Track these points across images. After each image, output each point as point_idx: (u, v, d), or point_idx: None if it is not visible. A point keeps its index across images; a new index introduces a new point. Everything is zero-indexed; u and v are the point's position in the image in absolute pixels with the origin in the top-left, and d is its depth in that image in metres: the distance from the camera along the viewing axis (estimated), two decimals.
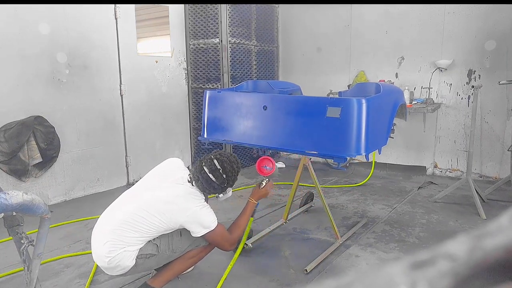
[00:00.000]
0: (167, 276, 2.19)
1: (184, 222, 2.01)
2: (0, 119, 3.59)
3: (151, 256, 2.07)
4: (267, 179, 2.43)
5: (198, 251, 2.22)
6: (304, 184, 4.56)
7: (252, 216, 2.47)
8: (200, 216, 2.03)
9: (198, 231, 2.04)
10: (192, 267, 2.54)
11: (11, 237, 1.72)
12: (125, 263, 2.01)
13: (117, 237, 2.00)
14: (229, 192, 2.29)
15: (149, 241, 2.07)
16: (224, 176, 2.10)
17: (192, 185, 2.12)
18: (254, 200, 2.35)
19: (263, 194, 2.39)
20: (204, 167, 2.10)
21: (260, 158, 2.30)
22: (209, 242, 2.15)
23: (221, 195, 2.26)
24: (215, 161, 2.11)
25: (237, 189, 4.56)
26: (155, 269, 2.32)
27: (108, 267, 2.05)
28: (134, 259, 2.02)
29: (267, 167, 2.27)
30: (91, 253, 2.91)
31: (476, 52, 4.55)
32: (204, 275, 2.59)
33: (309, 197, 3.86)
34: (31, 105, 3.79)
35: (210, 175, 2.08)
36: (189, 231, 2.09)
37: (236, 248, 2.66)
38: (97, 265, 2.70)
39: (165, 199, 2.04)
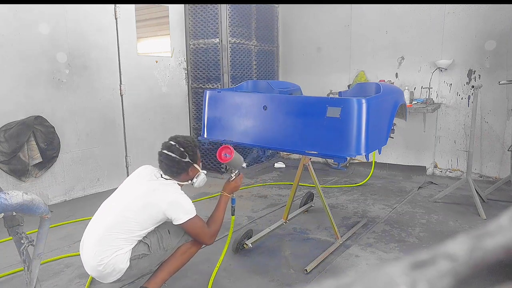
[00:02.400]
0: (162, 276, 2.20)
1: (166, 209, 2.05)
2: (0, 119, 3.59)
3: (144, 256, 2.10)
4: (236, 172, 2.43)
5: (187, 247, 2.25)
6: (304, 184, 4.56)
7: (233, 215, 2.51)
8: (180, 202, 2.09)
9: (180, 218, 2.07)
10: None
11: (11, 237, 1.72)
12: (119, 267, 2.04)
13: (106, 244, 2.02)
14: (201, 175, 2.29)
15: (139, 241, 2.10)
16: (182, 148, 2.16)
17: (166, 178, 2.19)
18: (226, 193, 2.36)
19: (234, 187, 2.38)
20: (162, 150, 2.18)
21: (221, 147, 2.32)
22: (189, 233, 2.17)
23: (194, 180, 2.27)
24: (170, 141, 2.21)
25: None
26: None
27: (103, 275, 2.06)
28: (128, 261, 2.05)
29: (227, 155, 2.28)
30: None
31: (476, 52, 4.55)
32: (204, 275, 2.59)
33: (309, 197, 3.86)
34: (31, 105, 3.79)
35: (169, 153, 2.15)
36: (176, 227, 2.15)
37: (228, 244, 2.66)
38: None
39: (144, 195, 2.09)
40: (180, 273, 2.60)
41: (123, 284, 2.49)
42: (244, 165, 2.41)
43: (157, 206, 2.05)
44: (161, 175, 2.20)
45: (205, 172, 2.35)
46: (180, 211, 2.07)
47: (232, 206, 2.50)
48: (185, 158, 2.16)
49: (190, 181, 2.28)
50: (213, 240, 2.23)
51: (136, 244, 2.09)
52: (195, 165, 2.22)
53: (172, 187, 2.16)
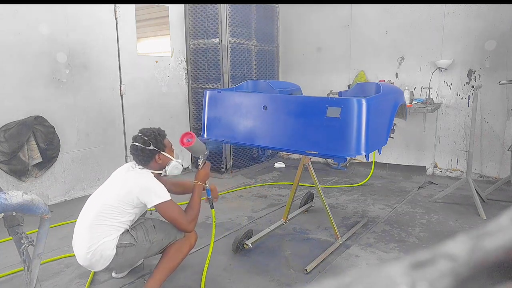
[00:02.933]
0: (159, 276, 2.28)
1: (139, 193, 2.19)
2: (0, 119, 3.59)
3: (130, 245, 2.21)
4: (202, 160, 2.49)
5: (180, 246, 2.35)
6: (304, 184, 4.56)
7: (212, 208, 2.57)
8: (151, 186, 2.21)
9: (152, 200, 2.18)
10: (141, 261, 2.65)
11: (11, 237, 1.73)
12: (106, 253, 2.15)
13: (93, 232, 2.16)
14: (172, 163, 2.38)
15: (127, 230, 2.23)
16: (145, 137, 2.32)
17: (140, 168, 2.35)
18: (198, 182, 2.43)
19: (203, 174, 2.45)
20: (132, 143, 2.37)
21: (184, 133, 2.44)
22: (166, 218, 2.26)
23: (166, 168, 2.37)
24: (137, 133, 2.41)
25: (237, 189, 4.57)
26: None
27: (92, 263, 2.18)
28: (114, 248, 2.16)
29: (189, 140, 2.38)
30: None
31: (476, 52, 4.55)
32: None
33: (309, 197, 3.86)
34: (31, 105, 3.79)
35: (134, 143, 2.34)
36: (161, 222, 2.33)
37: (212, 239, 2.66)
38: None
39: (121, 184, 2.27)
40: (180, 273, 2.61)
41: (123, 284, 2.50)
42: (206, 152, 2.51)
43: (130, 192, 2.20)
44: (136, 166, 2.37)
45: (180, 160, 2.45)
46: (151, 195, 2.19)
47: (208, 198, 2.55)
48: (148, 146, 2.30)
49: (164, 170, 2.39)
50: (192, 226, 2.29)
51: (123, 233, 2.21)
52: (162, 153, 2.34)
53: (144, 175, 2.29)
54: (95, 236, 2.15)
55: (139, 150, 2.31)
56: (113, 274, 2.61)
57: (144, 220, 2.35)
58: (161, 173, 2.40)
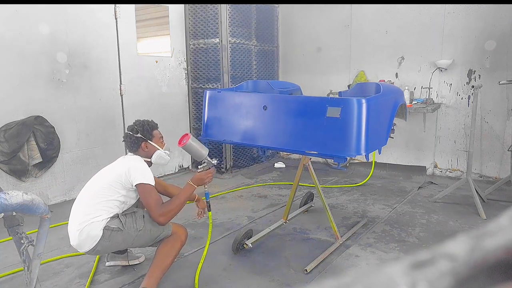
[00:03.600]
0: (155, 274, 2.32)
1: (127, 171, 2.32)
2: (0, 119, 3.59)
3: (118, 230, 2.28)
4: (204, 165, 2.52)
5: (172, 243, 2.40)
6: (304, 184, 4.56)
7: (209, 210, 2.62)
8: (139, 167, 2.35)
9: (137, 178, 2.30)
10: (143, 258, 2.79)
11: (11, 237, 1.72)
12: (93, 233, 2.23)
13: (85, 211, 2.27)
14: (157, 152, 2.50)
15: (116, 215, 2.31)
16: (135, 126, 2.50)
17: (131, 155, 2.52)
18: (190, 182, 2.45)
19: (198, 178, 2.46)
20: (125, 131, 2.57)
21: (184, 134, 2.55)
22: (142, 199, 2.33)
23: (153, 157, 2.51)
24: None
25: (237, 189, 4.57)
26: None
27: (80, 241, 2.26)
28: (102, 229, 2.24)
29: (184, 140, 2.48)
30: None
31: (476, 52, 4.55)
32: (203, 275, 2.60)
33: (309, 197, 3.86)
34: (31, 105, 3.79)
35: (126, 130, 2.54)
36: None
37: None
38: (96, 265, 2.71)
39: (115, 167, 2.43)
40: (179, 272, 2.61)
41: (123, 284, 2.50)
42: (214, 161, 2.55)
43: (121, 171, 2.34)
44: (129, 154, 2.56)
45: (167, 152, 2.56)
46: (138, 173, 2.32)
47: (206, 201, 2.59)
48: (136, 134, 2.48)
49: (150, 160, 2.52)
50: (162, 219, 2.28)
51: (113, 218, 2.30)
52: (149, 141, 2.49)
53: (135, 159, 2.45)
54: (86, 215, 2.26)
55: (128, 136, 2.50)
56: (107, 263, 2.68)
57: (136, 210, 2.42)
58: (149, 162, 2.52)
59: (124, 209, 2.39)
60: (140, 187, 2.30)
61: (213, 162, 2.53)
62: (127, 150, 2.57)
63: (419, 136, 5.05)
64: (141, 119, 2.58)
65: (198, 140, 2.59)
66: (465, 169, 4.15)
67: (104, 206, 2.29)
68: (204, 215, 2.78)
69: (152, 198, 2.28)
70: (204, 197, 2.62)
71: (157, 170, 4.87)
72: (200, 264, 2.68)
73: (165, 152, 2.54)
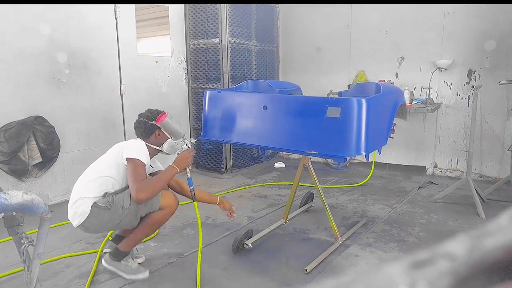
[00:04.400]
0: (132, 240, 2.50)
1: (124, 147, 2.45)
2: (0, 119, 3.59)
3: (105, 208, 2.35)
4: (184, 145, 2.56)
5: (156, 217, 2.46)
6: (304, 184, 4.56)
7: (194, 200, 2.63)
8: (136, 146, 2.45)
9: (129, 153, 2.39)
10: (143, 259, 2.81)
11: (11, 237, 1.72)
12: (81, 209, 2.34)
13: (80, 187, 2.41)
14: (168, 140, 2.57)
15: (105, 194, 2.38)
16: (149, 114, 2.62)
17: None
18: (173, 165, 2.47)
19: (179, 159, 2.50)
20: (137, 119, 2.67)
21: (160, 113, 2.65)
22: (128, 173, 2.36)
23: (164, 145, 2.59)
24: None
25: (237, 189, 4.57)
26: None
27: (71, 216, 2.39)
28: (90, 206, 2.34)
29: (162, 118, 2.59)
30: (91, 253, 2.93)
31: (476, 52, 4.55)
32: (203, 274, 2.60)
33: (309, 197, 3.86)
34: (31, 105, 3.79)
35: (140, 118, 2.64)
36: None
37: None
38: (97, 265, 2.71)
39: (114, 148, 2.55)
40: (179, 272, 2.61)
41: (123, 284, 2.50)
42: (193, 140, 2.63)
43: (117, 149, 2.48)
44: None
45: (175, 141, 2.62)
46: (131, 149, 2.41)
47: (190, 189, 2.57)
48: (151, 121, 2.58)
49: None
50: (140, 195, 2.26)
51: (102, 196, 2.38)
52: (162, 130, 2.58)
53: (136, 140, 2.57)
54: (79, 190, 2.39)
55: (142, 123, 2.57)
56: (103, 262, 2.63)
57: (126, 191, 2.41)
58: (158, 149, 2.59)
59: (116, 188, 2.44)
60: (129, 161, 2.36)
61: (191, 141, 2.60)
62: (137, 136, 2.63)
63: (419, 136, 5.05)
64: (154, 109, 2.69)
65: (177, 120, 2.68)
66: (465, 169, 4.15)
67: (95, 184, 2.38)
68: (234, 214, 2.92)
69: (134, 173, 2.30)
70: (203, 188, 2.69)
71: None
72: (199, 265, 2.68)
73: (175, 142, 2.62)
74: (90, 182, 2.39)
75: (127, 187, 2.43)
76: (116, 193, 2.40)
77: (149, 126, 2.57)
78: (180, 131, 2.60)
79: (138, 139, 2.59)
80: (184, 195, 2.77)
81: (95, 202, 2.35)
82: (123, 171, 2.43)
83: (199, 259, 2.73)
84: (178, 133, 2.60)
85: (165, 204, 2.47)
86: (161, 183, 2.39)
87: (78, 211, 2.34)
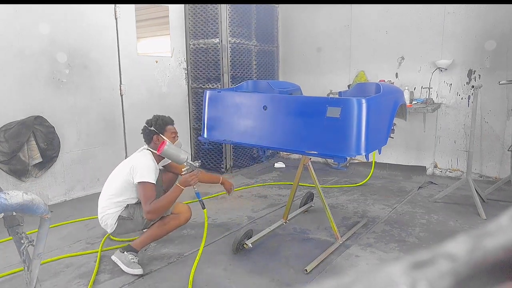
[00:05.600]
0: (144, 240, 2.71)
1: (128, 172, 2.65)
2: (0, 119, 3.59)
3: (128, 219, 2.70)
4: (188, 167, 2.62)
5: (168, 220, 2.71)
6: (304, 184, 4.56)
7: (203, 208, 2.70)
8: (138, 167, 2.63)
9: (136, 177, 2.61)
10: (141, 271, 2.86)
11: (11, 237, 1.72)
12: (109, 222, 2.70)
13: (103, 203, 2.72)
14: (166, 143, 2.62)
15: (127, 206, 2.70)
16: (150, 120, 2.80)
17: (146, 148, 2.81)
18: (178, 184, 2.64)
19: (183, 180, 2.61)
20: None
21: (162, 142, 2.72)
22: (138, 195, 2.65)
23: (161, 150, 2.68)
24: None
25: (237, 189, 4.57)
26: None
27: (103, 227, 2.77)
28: (116, 219, 2.69)
29: (161, 147, 2.64)
30: (91, 253, 2.94)
31: (476, 52, 4.55)
32: (203, 275, 2.60)
33: (309, 197, 3.86)
34: (31, 105, 3.79)
35: (145, 124, 2.83)
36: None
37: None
38: (98, 265, 2.72)
39: (126, 164, 2.75)
40: (180, 273, 2.61)
41: (123, 284, 2.50)
42: (196, 164, 2.67)
43: (127, 171, 2.67)
44: (144, 147, 2.85)
45: (173, 144, 2.73)
46: (137, 173, 2.61)
47: (199, 201, 2.68)
48: (150, 127, 2.77)
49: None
50: (150, 215, 2.57)
51: (125, 208, 2.70)
52: (160, 135, 2.75)
53: (141, 155, 2.74)
54: (103, 207, 2.71)
55: (143, 130, 2.82)
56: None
57: None
58: (160, 156, 2.73)
59: (136, 200, 2.73)
60: (139, 185, 2.60)
61: (195, 164, 2.64)
62: (146, 147, 2.84)
63: (419, 136, 5.05)
64: (159, 114, 2.85)
65: (179, 147, 2.75)
66: (465, 169, 4.15)
67: (117, 202, 2.69)
68: (231, 191, 3.25)
69: (143, 195, 2.57)
70: (229, 192, 3.23)
71: None
72: (196, 262, 2.68)
73: (170, 144, 2.69)
74: (112, 200, 2.69)
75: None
76: (135, 204, 2.73)
77: (148, 132, 2.79)
78: (182, 157, 2.61)
79: (143, 150, 2.80)
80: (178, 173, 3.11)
81: (120, 215, 2.69)
82: (135, 190, 2.70)
83: (196, 261, 2.73)
84: (180, 160, 2.62)
85: (179, 211, 2.76)
86: (168, 202, 2.61)
87: (108, 224, 2.71)
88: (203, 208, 2.70)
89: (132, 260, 2.63)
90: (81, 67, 4.18)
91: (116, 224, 2.69)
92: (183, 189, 2.61)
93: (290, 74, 5.97)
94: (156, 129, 2.75)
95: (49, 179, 4.00)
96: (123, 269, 2.62)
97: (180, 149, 2.69)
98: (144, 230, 2.88)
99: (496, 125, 4.54)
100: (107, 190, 2.75)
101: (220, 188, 4.56)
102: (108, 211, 2.69)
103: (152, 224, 2.74)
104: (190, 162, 2.62)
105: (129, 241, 2.92)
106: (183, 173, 2.64)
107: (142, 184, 2.59)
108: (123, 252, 2.66)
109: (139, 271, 2.60)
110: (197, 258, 2.74)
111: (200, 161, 2.83)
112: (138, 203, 2.71)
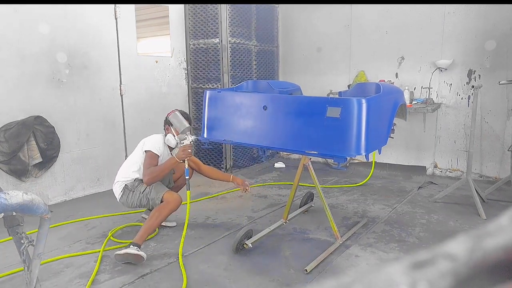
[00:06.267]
0: (143, 233, 2.85)
1: (143, 143, 3.16)
2: (0, 119, 3.59)
3: (131, 190, 3.10)
4: (184, 140, 2.88)
5: (160, 211, 2.93)
6: (304, 184, 4.56)
7: (188, 190, 2.87)
8: (151, 140, 3.14)
9: (145, 146, 3.10)
10: (175, 223, 3.43)
11: (11, 237, 1.72)
12: (117, 189, 3.18)
13: (119, 172, 3.22)
14: (169, 135, 3.10)
15: (133, 179, 3.13)
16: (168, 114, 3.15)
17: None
18: (173, 156, 2.98)
19: (179, 151, 2.91)
20: None
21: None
22: (143, 162, 3.08)
23: (165, 137, 3.15)
24: None
25: (237, 189, 4.55)
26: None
27: (114, 193, 3.21)
28: (122, 188, 3.13)
29: (171, 112, 3.01)
30: (91, 253, 2.94)
31: (476, 52, 4.55)
32: (204, 275, 2.60)
33: (309, 197, 3.86)
34: (31, 105, 3.79)
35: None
36: (157, 185, 3.10)
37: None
38: (99, 265, 2.72)
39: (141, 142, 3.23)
40: (180, 273, 2.61)
41: (123, 284, 2.50)
42: (193, 137, 2.90)
43: (142, 142, 3.20)
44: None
45: (177, 139, 3.02)
46: (145, 144, 3.14)
47: (186, 178, 2.87)
48: (166, 118, 3.19)
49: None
50: (146, 179, 3.00)
51: (132, 181, 3.13)
52: (169, 126, 3.13)
53: (154, 135, 3.22)
54: (118, 176, 3.20)
55: (165, 118, 3.23)
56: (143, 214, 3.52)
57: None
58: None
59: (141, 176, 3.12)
60: (145, 153, 3.08)
61: (192, 138, 2.90)
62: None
63: (419, 136, 5.05)
64: (183, 111, 3.21)
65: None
66: (465, 169, 4.15)
67: (129, 172, 3.15)
68: (248, 188, 3.35)
69: (147, 161, 3.03)
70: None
71: None
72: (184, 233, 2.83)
73: (173, 138, 3.07)
74: (126, 168, 3.18)
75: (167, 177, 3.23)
76: (141, 180, 3.12)
77: (164, 121, 3.25)
78: (185, 124, 2.89)
79: (159, 134, 3.24)
80: (201, 173, 3.47)
81: (126, 184, 3.12)
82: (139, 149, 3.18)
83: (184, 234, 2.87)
84: (182, 125, 2.89)
85: (169, 198, 2.99)
86: (162, 172, 3.00)
87: (116, 191, 3.16)
88: (187, 189, 2.87)
89: (133, 252, 2.73)
90: (81, 67, 4.18)
91: (122, 192, 3.12)
92: (176, 160, 2.93)
93: (290, 74, 5.97)
94: (168, 123, 3.15)
95: (49, 179, 4.00)
96: (133, 252, 2.72)
97: (184, 118, 2.98)
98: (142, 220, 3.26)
99: (496, 125, 4.54)
100: (126, 161, 3.29)
101: (220, 188, 4.57)
102: (120, 179, 3.16)
103: (147, 219, 3.02)
104: (189, 133, 2.87)
105: (128, 242, 2.93)
106: (180, 145, 2.92)
107: (146, 152, 3.05)
108: (129, 246, 2.77)
109: (144, 255, 2.75)
110: (182, 240, 2.91)
111: (196, 137, 3.04)
112: (141, 179, 3.12)
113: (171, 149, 3.21)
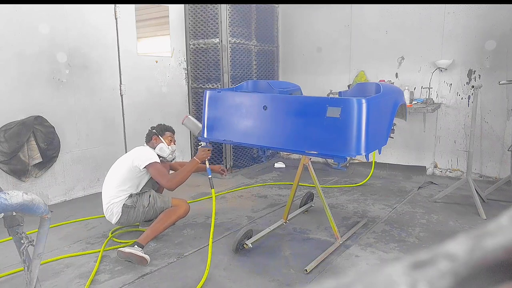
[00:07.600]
0: (149, 234, 2.85)
1: (133, 160, 2.97)
2: (0, 119, 3.59)
3: (132, 207, 2.98)
4: (203, 143, 2.98)
5: (169, 214, 2.94)
6: (304, 184, 4.56)
7: (212, 188, 2.91)
8: (141, 153, 3.00)
9: (142, 162, 2.93)
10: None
11: (11, 237, 1.72)
12: (115, 210, 2.98)
13: (109, 193, 3.00)
14: (160, 144, 3.15)
15: (131, 195, 2.99)
16: (154, 125, 3.28)
17: (144, 145, 3.24)
18: (195, 158, 2.99)
19: (198, 154, 2.98)
20: None
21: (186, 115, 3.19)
22: (153, 176, 2.98)
23: (156, 148, 3.15)
24: None
25: (237, 189, 4.57)
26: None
27: (108, 216, 3.03)
28: (120, 207, 2.97)
29: (184, 118, 3.13)
30: (91, 253, 2.94)
31: (476, 52, 4.55)
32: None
33: (309, 197, 3.86)
34: (31, 105, 3.79)
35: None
36: (159, 196, 3.07)
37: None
38: (98, 265, 2.71)
39: (127, 158, 3.07)
40: (180, 273, 2.61)
41: (123, 284, 2.50)
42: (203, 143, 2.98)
43: (129, 163, 2.99)
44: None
45: (170, 148, 3.15)
46: (141, 158, 2.96)
47: (209, 179, 2.91)
48: (152, 130, 3.22)
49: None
50: (172, 184, 2.90)
51: (128, 197, 2.98)
52: (159, 136, 3.17)
53: (141, 147, 3.12)
54: (109, 197, 2.98)
55: (148, 131, 3.24)
56: (140, 226, 3.34)
57: (147, 190, 3.06)
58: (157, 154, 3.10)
59: (140, 188, 3.04)
60: (149, 167, 2.93)
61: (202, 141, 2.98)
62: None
63: (419, 136, 5.05)
64: (163, 124, 3.30)
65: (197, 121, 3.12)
66: (465, 169, 4.15)
67: (121, 191, 2.97)
68: (225, 173, 3.48)
69: (159, 172, 2.92)
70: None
71: None
72: (209, 261, 2.68)
73: (167, 147, 3.14)
74: (116, 188, 2.97)
75: (145, 189, 3.07)
76: (138, 193, 3.02)
77: (149, 133, 3.23)
78: (199, 126, 3.00)
79: (142, 146, 3.20)
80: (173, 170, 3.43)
81: (124, 204, 2.96)
82: (142, 174, 3.01)
83: (209, 250, 2.74)
84: (198, 128, 3.01)
85: (176, 205, 3.02)
86: (186, 172, 2.96)
87: (113, 212, 2.98)
88: (212, 187, 2.89)
89: (138, 253, 2.72)
90: (81, 67, 4.18)
91: (121, 212, 2.96)
92: (198, 162, 2.97)
93: (290, 74, 5.97)
94: (156, 131, 3.18)
95: (49, 179, 4.00)
96: (138, 253, 2.71)
97: (198, 121, 3.07)
98: (144, 225, 3.17)
99: (496, 125, 4.54)
100: (111, 182, 3.02)
101: (220, 188, 4.57)
102: (114, 200, 2.96)
103: (150, 221, 3.03)
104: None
105: (128, 243, 2.93)
106: (199, 147, 2.99)
107: (151, 165, 2.92)
108: (134, 246, 2.78)
109: (148, 258, 2.75)
110: (209, 247, 2.76)
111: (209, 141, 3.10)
112: (140, 193, 3.02)
113: (160, 157, 3.11)
